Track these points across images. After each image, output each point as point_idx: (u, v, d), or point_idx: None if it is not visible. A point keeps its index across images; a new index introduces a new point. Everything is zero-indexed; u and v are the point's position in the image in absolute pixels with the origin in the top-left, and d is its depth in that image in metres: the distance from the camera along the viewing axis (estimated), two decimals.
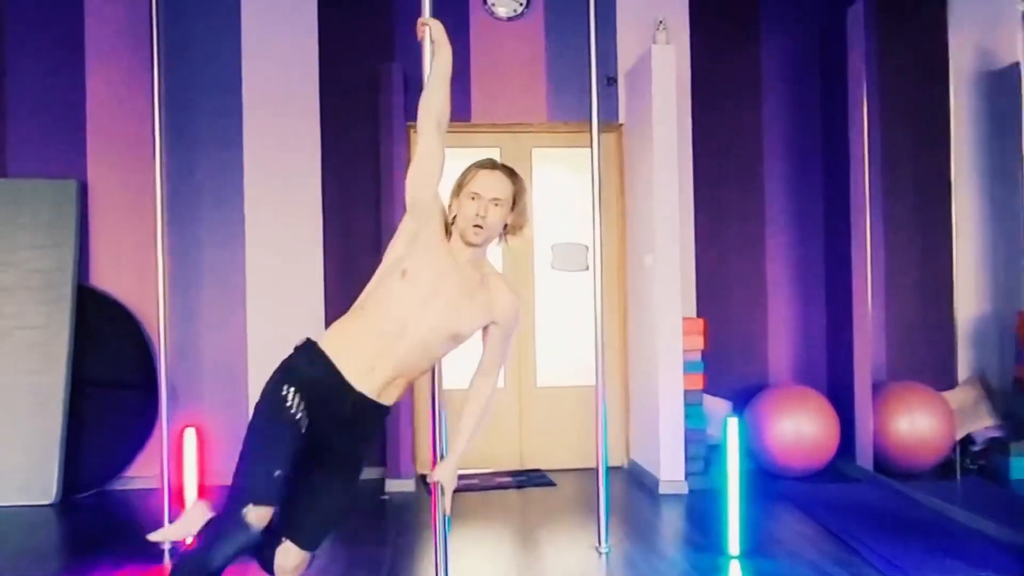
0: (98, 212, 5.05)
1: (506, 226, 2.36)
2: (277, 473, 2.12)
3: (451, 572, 2.84)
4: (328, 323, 5.11)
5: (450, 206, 2.35)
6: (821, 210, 5.49)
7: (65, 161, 4.99)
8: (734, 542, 3.56)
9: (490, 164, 2.37)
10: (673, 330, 4.67)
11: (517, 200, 2.34)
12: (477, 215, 2.27)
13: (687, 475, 4.68)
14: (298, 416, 2.16)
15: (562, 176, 5.44)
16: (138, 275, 4.92)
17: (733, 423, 3.54)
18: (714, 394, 5.11)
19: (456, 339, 2.32)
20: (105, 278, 5.02)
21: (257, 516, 2.12)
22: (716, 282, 5.39)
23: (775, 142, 5.49)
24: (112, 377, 4.95)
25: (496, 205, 2.29)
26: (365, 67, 5.10)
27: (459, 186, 2.35)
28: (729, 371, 5.30)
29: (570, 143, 5.33)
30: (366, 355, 2.22)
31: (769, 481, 4.89)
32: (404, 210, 4.90)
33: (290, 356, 2.31)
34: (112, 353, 4.96)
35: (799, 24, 5.51)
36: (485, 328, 2.37)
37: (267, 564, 2.34)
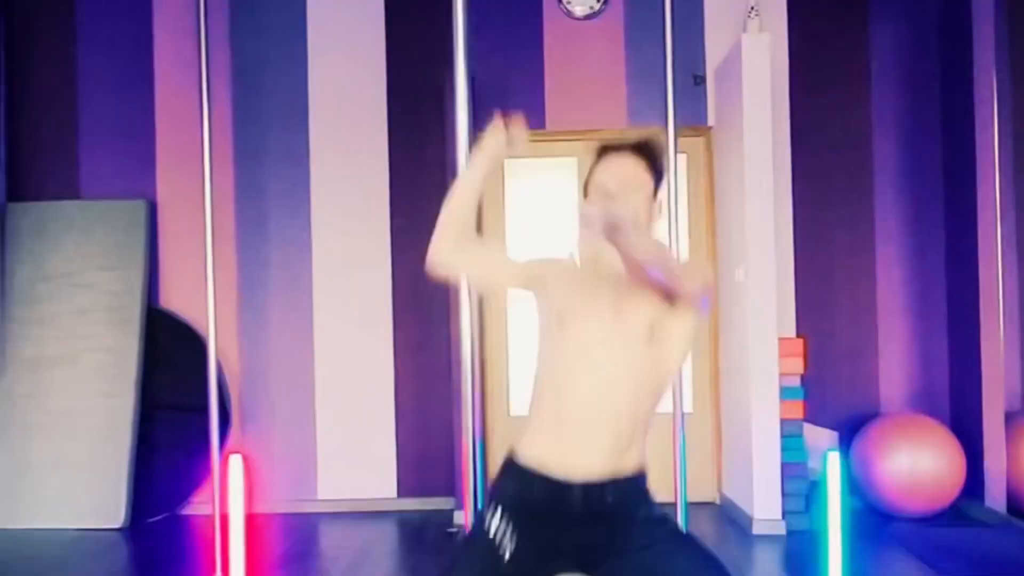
0: (167, 232, 5.00)
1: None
2: None
3: None
4: (395, 344, 4.98)
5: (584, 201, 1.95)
6: (941, 215, 4.87)
7: (135, 181, 4.96)
8: None
9: (618, 146, 1.92)
10: (768, 351, 4.20)
11: (659, 183, 1.90)
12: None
13: (784, 514, 4.19)
14: (499, 538, 1.73)
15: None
16: (207, 297, 4.82)
17: (834, 458, 3.07)
18: (817, 423, 4.59)
19: (654, 344, 1.80)
20: (174, 299, 4.96)
21: None
22: (819, 298, 4.86)
23: (886, 139, 4.92)
24: (181, 400, 4.86)
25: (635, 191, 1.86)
26: (432, 75, 4.87)
27: (586, 182, 1.95)
28: (834, 398, 4.76)
29: None
30: (567, 436, 1.77)
31: (880, 523, 4.34)
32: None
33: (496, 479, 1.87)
34: (181, 376, 4.87)
35: (914, 3, 4.93)
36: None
37: None
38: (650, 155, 1.89)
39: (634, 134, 1.94)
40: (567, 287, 1.89)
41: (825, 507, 3.11)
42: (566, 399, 1.77)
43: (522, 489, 1.77)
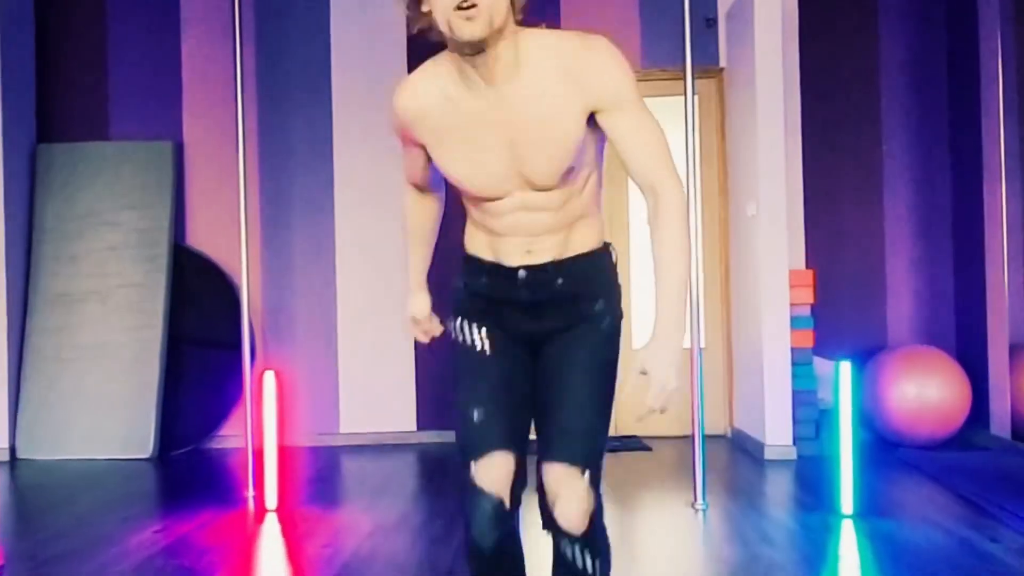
0: (193, 173, 5.12)
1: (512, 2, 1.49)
2: (476, 415, 1.62)
3: (524, 524, 2.63)
4: None
5: (420, 14, 1.51)
6: (947, 154, 4.98)
7: (162, 123, 5.08)
8: (847, 501, 3.21)
9: None
10: (778, 282, 4.32)
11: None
12: None
13: (795, 440, 4.32)
14: (472, 340, 1.68)
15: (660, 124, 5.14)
16: (232, 235, 4.94)
17: (846, 368, 3.20)
18: (826, 355, 4.70)
19: (565, 167, 1.54)
20: (200, 238, 5.09)
21: (486, 474, 1.58)
22: (828, 233, 4.97)
23: (894, 78, 5.02)
24: (207, 336, 5.00)
25: None
26: None
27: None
28: (843, 330, 4.88)
29: (667, 91, 5.01)
30: (499, 242, 1.64)
31: (889, 449, 4.47)
32: None
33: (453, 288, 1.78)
34: (207, 312, 5.01)
35: None
36: (593, 129, 1.55)
37: (548, 519, 1.65)
38: None
39: None
40: (452, 154, 1.60)
41: (836, 420, 3.24)
42: (493, 226, 1.63)
43: (472, 279, 1.70)
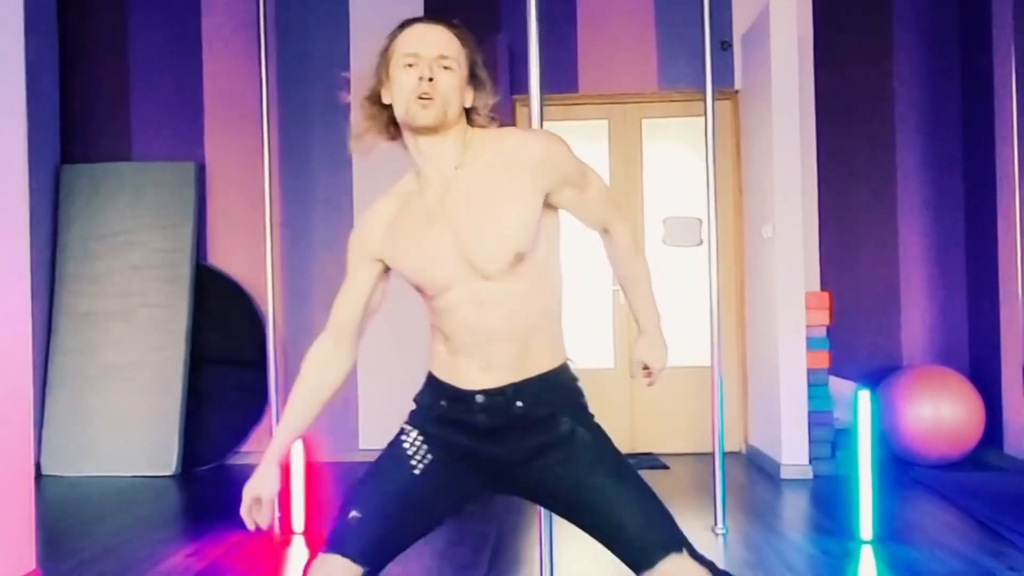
0: (215, 193, 5.19)
1: (469, 110, 1.60)
2: (352, 513, 1.60)
3: (556, 550, 2.70)
4: None
5: (381, 102, 1.62)
6: (961, 174, 5.04)
7: (184, 144, 5.15)
8: (866, 526, 3.27)
9: (418, 19, 1.65)
10: (795, 304, 4.37)
11: (473, 64, 1.59)
12: (420, 80, 1.53)
13: (811, 460, 4.37)
14: (409, 453, 1.64)
15: (674, 147, 5.21)
16: (253, 255, 5.02)
17: (864, 396, 3.25)
18: (841, 375, 4.76)
19: (512, 253, 1.53)
20: (222, 258, 5.15)
21: (319, 570, 1.57)
22: (843, 254, 5.03)
23: (908, 100, 5.08)
24: (229, 355, 5.06)
25: (445, 68, 1.55)
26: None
27: (385, 60, 1.60)
28: (858, 350, 4.94)
29: (683, 112, 5.09)
30: (457, 357, 1.62)
31: (903, 468, 4.52)
32: None
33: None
34: (229, 331, 5.07)
35: None
36: (550, 207, 1.59)
37: None
38: (460, 31, 1.59)
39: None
40: (405, 250, 1.65)
41: (855, 446, 3.29)
42: (448, 330, 1.62)
43: (432, 402, 1.66)
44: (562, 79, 5.06)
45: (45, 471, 4.84)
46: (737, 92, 5.06)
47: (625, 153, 5.20)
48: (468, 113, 1.61)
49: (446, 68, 1.55)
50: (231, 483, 4.68)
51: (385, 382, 5.13)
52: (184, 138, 5.16)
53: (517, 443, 1.60)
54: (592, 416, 1.66)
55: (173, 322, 4.94)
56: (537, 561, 2.70)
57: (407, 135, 1.61)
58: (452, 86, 1.55)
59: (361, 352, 5.73)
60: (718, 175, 5.07)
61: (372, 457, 5.46)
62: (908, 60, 5.09)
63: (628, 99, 5.15)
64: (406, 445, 1.65)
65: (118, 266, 4.99)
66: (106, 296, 4.96)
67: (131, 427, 4.85)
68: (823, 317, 4.48)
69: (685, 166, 5.13)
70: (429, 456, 1.63)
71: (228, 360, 5.06)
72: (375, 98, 1.63)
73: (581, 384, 1.67)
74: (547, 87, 4.84)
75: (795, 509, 3.98)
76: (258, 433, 5.05)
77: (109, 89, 5.21)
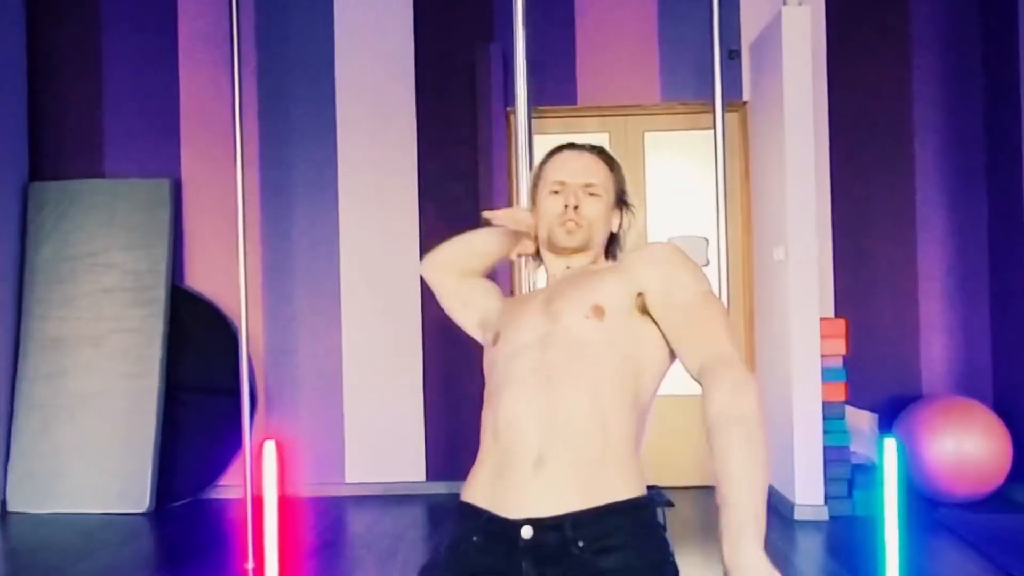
0: (192, 211, 4.90)
1: (614, 235, 1.61)
2: None
3: None
4: (424, 324, 4.89)
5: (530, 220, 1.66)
6: (984, 192, 4.74)
7: (159, 160, 4.87)
8: None
9: (568, 145, 1.66)
10: (810, 332, 4.09)
11: (620, 191, 1.60)
12: (566, 207, 1.53)
13: (827, 499, 4.09)
14: None
15: (678, 162, 4.93)
16: (232, 276, 4.73)
17: (891, 445, 2.96)
18: (856, 406, 4.48)
19: (591, 303, 1.42)
20: (200, 280, 4.87)
21: None
22: (857, 278, 4.73)
23: (928, 115, 4.78)
24: (207, 383, 4.78)
25: (592, 194, 1.56)
26: (462, 49, 4.75)
27: (534, 184, 1.64)
28: (874, 380, 4.64)
29: (687, 125, 4.81)
30: (504, 463, 1.35)
31: (925, 508, 4.23)
32: (504, 201, 4.51)
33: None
34: (207, 358, 4.79)
35: None
36: (647, 318, 1.43)
37: None
38: (608, 157, 1.63)
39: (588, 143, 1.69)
40: (505, 308, 1.64)
41: (880, 496, 3.01)
42: (497, 419, 1.37)
43: (462, 536, 1.37)
44: (560, 90, 4.78)
45: (10, 507, 4.56)
46: (745, 104, 4.78)
47: (626, 167, 4.84)
48: (611, 240, 1.62)
49: (592, 195, 1.56)
50: (206, 524, 4.41)
51: (373, 413, 4.85)
52: (159, 154, 4.87)
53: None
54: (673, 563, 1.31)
55: (147, 348, 4.65)
56: None
57: (546, 256, 1.62)
58: (598, 215, 1.56)
59: (348, 383, 5.40)
60: (726, 191, 4.84)
61: (359, 491, 5.16)
62: (927, 69, 4.79)
63: (630, 111, 4.87)
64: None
65: (89, 289, 4.71)
66: (76, 321, 4.68)
67: (102, 460, 4.56)
68: (839, 346, 4.20)
69: (690, 182, 4.84)
70: None
71: (206, 388, 4.78)
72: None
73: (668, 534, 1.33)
74: (544, 99, 4.61)
75: (811, 557, 3.69)
76: (237, 465, 4.76)
77: (80, 102, 4.92)
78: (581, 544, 1.25)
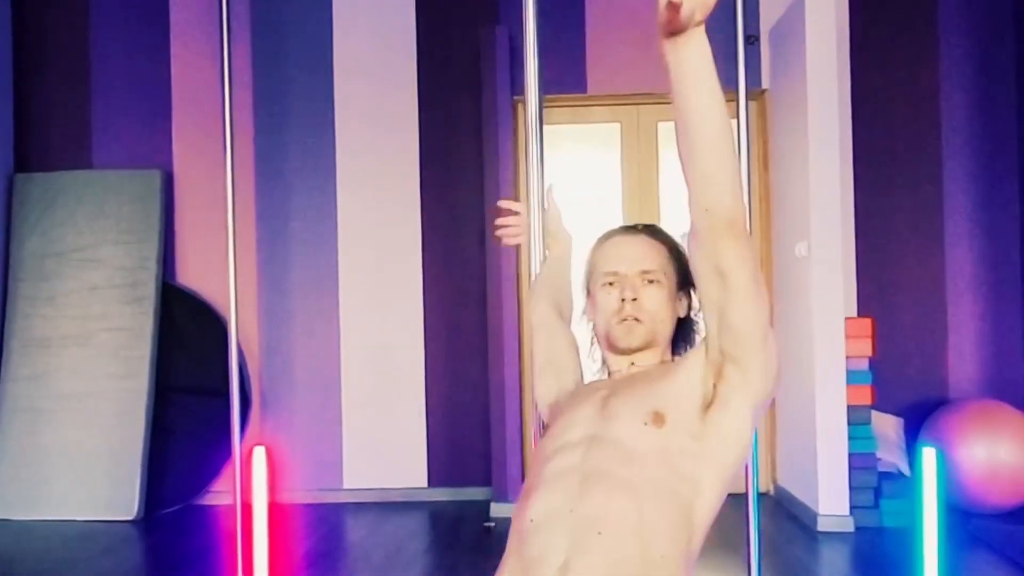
0: (184, 205, 4.70)
1: (683, 322, 1.49)
2: None
3: None
4: (425, 326, 4.68)
5: (584, 312, 1.56)
6: (1016, 184, 4.51)
7: (150, 150, 4.67)
8: None
9: (619, 229, 1.56)
10: (834, 332, 3.86)
11: (683, 272, 1.46)
12: (623, 301, 1.43)
13: (852, 509, 3.86)
14: None
15: None
16: (226, 272, 4.52)
17: (930, 455, 2.74)
18: (881, 410, 4.25)
19: (651, 408, 1.34)
20: (191, 276, 4.66)
21: None
22: (882, 276, 4.50)
23: (956, 106, 4.55)
24: (199, 384, 4.57)
25: (650, 282, 1.44)
26: (466, 32, 4.53)
27: (587, 277, 1.54)
28: (899, 383, 4.42)
29: None
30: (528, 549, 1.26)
31: (957, 518, 4.00)
32: (510, 194, 4.27)
33: None
34: (198, 357, 4.58)
35: None
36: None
37: None
38: (664, 236, 1.51)
39: (639, 223, 1.58)
40: (571, 395, 1.54)
41: (919, 506, 2.79)
42: (524, 519, 1.29)
43: None
44: (569, 78, 4.56)
45: None
46: (764, 92, 4.56)
47: (639, 159, 4.70)
48: (681, 325, 1.49)
49: (651, 282, 1.45)
50: (196, 533, 4.19)
51: (372, 417, 4.63)
52: (150, 144, 4.66)
53: None
54: None
55: (136, 348, 4.44)
56: None
57: (606, 354, 1.50)
58: (660, 303, 1.45)
59: (346, 384, 5.17)
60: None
61: (358, 498, 4.94)
62: (956, 55, 4.55)
63: (642, 100, 4.65)
64: None
65: (76, 286, 4.50)
66: (63, 319, 4.47)
67: (89, 466, 4.35)
68: (865, 347, 3.97)
69: None
70: None
71: (197, 389, 4.56)
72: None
73: None
74: (552, 87, 4.39)
75: (836, 569, 3.47)
76: (230, 470, 4.55)
77: (68, 90, 4.71)
78: None
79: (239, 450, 3.42)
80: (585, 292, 1.53)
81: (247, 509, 3.26)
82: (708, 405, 1.32)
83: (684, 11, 1.17)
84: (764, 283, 1.33)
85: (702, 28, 1.22)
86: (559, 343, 1.65)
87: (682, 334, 1.49)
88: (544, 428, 1.45)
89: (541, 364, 1.64)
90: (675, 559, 1.22)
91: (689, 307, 1.48)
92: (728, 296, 1.27)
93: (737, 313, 1.27)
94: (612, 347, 1.45)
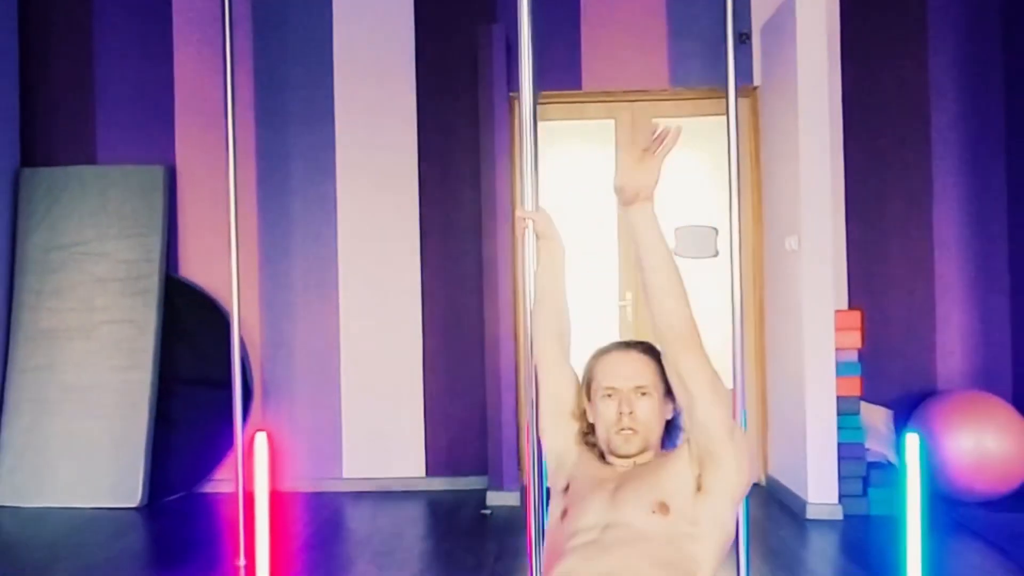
0: (187, 199, 4.78)
1: (670, 422, 1.75)
2: None
3: None
4: (424, 317, 4.76)
5: (583, 413, 1.80)
6: (1004, 182, 4.58)
7: (153, 146, 4.75)
8: None
9: (615, 346, 1.80)
10: (823, 324, 3.94)
11: (669, 381, 1.69)
12: (620, 414, 1.69)
13: (841, 498, 3.94)
14: None
15: (687, 150, 4.75)
16: (228, 266, 4.59)
17: (913, 441, 2.81)
18: (870, 401, 4.33)
19: (655, 498, 1.62)
20: (194, 269, 4.75)
21: None
22: (871, 268, 4.58)
23: (945, 101, 4.62)
24: (201, 375, 4.66)
25: (643, 395, 1.70)
26: (464, 30, 4.61)
27: (587, 386, 1.79)
28: (888, 374, 4.50)
29: (696, 111, 4.66)
30: None
31: (944, 507, 4.08)
32: (506, 187, 4.34)
33: None
34: (201, 349, 4.67)
35: None
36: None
37: None
38: (653, 350, 1.73)
39: (630, 340, 1.86)
40: (579, 469, 1.78)
41: (902, 493, 2.87)
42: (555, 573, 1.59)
43: None
44: (564, 75, 4.64)
45: (1, 502, 4.44)
46: (756, 89, 4.64)
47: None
48: (668, 424, 1.75)
49: (644, 395, 1.70)
50: (199, 519, 4.28)
51: (371, 408, 4.72)
52: (153, 140, 4.74)
53: None
54: None
55: (140, 340, 4.53)
56: None
57: (608, 456, 1.74)
58: (652, 413, 1.70)
59: (345, 376, 5.25)
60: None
61: (357, 487, 5.04)
62: (945, 50, 4.61)
63: (637, 97, 4.72)
64: None
65: (81, 279, 4.59)
66: (68, 312, 4.56)
67: (94, 454, 4.44)
68: (854, 339, 4.05)
69: (699, 171, 4.69)
70: None
71: (200, 380, 4.65)
72: (582, 414, 1.80)
73: None
74: (547, 84, 4.46)
75: (825, 556, 3.55)
76: (232, 459, 4.63)
77: (73, 87, 4.79)
78: None
79: (241, 438, 3.50)
80: (586, 396, 1.77)
81: (249, 496, 3.35)
82: (697, 490, 1.61)
83: (628, 194, 1.57)
84: (723, 388, 1.62)
85: (649, 202, 1.59)
86: (563, 387, 1.85)
87: (669, 431, 1.76)
88: (558, 516, 1.70)
89: (547, 406, 1.85)
90: None
91: (674, 409, 1.73)
92: (692, 399, 1.59)
93: (701, 412, 1.59)
94: (613, 452, 1.71)
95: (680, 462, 1.64)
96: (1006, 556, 3.36)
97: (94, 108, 4.80)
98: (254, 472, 3.21)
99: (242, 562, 3.40)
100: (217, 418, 4.61)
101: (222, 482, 4.61)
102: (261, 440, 3.20)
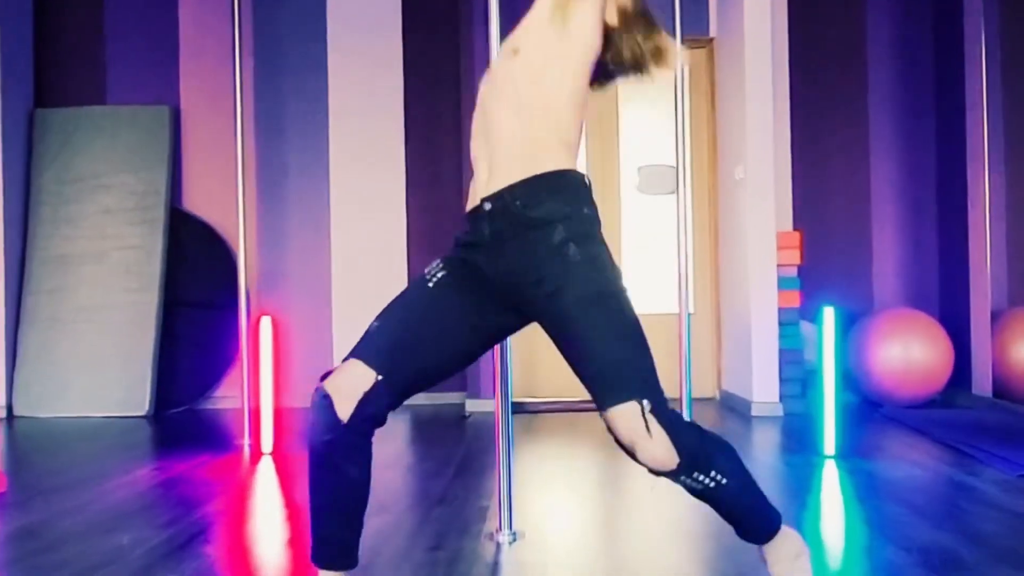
0: (190, 137, 5.18)
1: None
2: (373, 326, 1.66)
3: (517, 475, 2.69)
4: (408, 243, 5.19)
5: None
6: (933, 118, 5.09)
7: (159, 88, 5.14)
8: (830, 443, 3.30)
9: None
10: (766, 243, 4.41)
11: None
12: None
13: (782, 398, 4.40)
14: (428, 272, 1.68)
15: (649, 96, 5.22)
16: (228, 199, 5.00)
17: (829, 312, 3.28)
18: (811, 320, 4.79)
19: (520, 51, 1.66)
20: (197, 202, 5.15)
21: (335, 376, 1.61)
22: (815, 197, 5.07)
23: (881, 44, 5.13)
24: (203, 299, 5.06)
25: None
26: None
27: None
28: (829, 293, 4.96)
29: None
30: (474, 175, 1.68)
31: (873, 408, 4.55)
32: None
33: None
34: (203, 275, 5.07)
35: None
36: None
37: (649, 470, 1.58)
38: None
39: None
40: None
41: (820, 359, 3.33)
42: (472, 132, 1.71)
43: (458, 235, 1.70)
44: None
45: (16, 412, 4.82)
46: (712, 40, 5.10)
47: (600, 103, 5.22)
48: None
49: None
50: (204, 422, 4.69)
51: (361, 328, 5.10)
52: (159, 82, 5.14)
53: (515, 255, 1.58)
54: (594, 234, 1.60)
55: (147, 265, 4.93)
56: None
57: None
58: None
59: (337, 299, 5.59)
60: (693, 123, 5.16)
61: None
62: (881, 8, 5.13)
63: None
64: (427, 271, 1.69)
65: (92, 210, 4.98)
66: (80, 239, 4.95)
67: (104, 369, 4.83)
68: (794, 256, 4.52)
69: (660, 115, 5.14)
70: (442, 272, 1.66)
71: (202, 304, 5.05)
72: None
73: (592, 193, 1.64)
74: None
75: (764, 437, 4.00)
76: (231, 378, 5.04)
77: (84, 33, 5.19)
78: (518, 203, 1.60)
79: (247, 351, 3.89)
80: None
81: (254, 378, 3.76)
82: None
83: None
84: None
85: None
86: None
87: None
88: None
89: None
90: (552, 130, 1.62)
91: None
92: None
93: None
94: None
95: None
96: (922, 434, 3.81)
97: (104, 53, 5.19)
98: (259, 351, 3.62)
99: (247, 440, 3.80)
100: (216, 339, 5.03)
101: (221, 399, 5.02)
102: (266, 324, 3.62)
